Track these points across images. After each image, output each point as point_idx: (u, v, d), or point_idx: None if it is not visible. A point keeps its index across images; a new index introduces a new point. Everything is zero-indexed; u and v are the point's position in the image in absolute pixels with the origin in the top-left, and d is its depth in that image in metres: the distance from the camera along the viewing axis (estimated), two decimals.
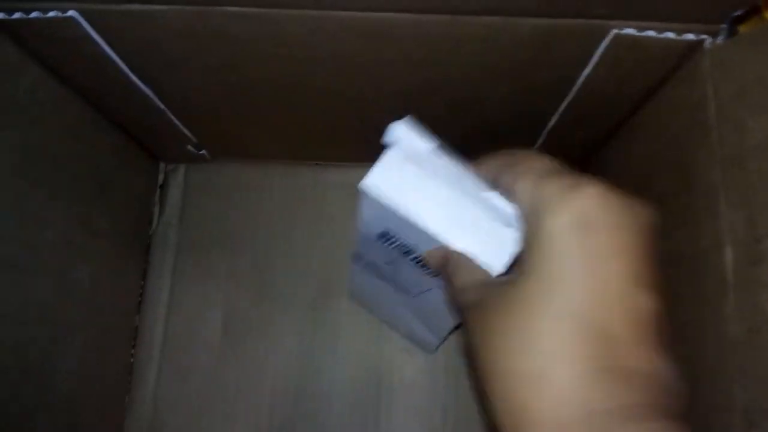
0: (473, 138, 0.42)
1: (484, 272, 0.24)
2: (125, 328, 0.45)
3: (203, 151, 0.45)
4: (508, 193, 0.24)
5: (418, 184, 0.26)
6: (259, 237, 0.47)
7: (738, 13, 0.25)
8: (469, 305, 0.24)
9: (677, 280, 0.29)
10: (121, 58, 0.32)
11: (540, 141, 0.40)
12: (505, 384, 0.20)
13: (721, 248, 0.25)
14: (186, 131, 0.41)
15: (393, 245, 0.30)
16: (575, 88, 0.32)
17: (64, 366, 0.37)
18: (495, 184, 0.25)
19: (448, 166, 0.27)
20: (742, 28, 0.27)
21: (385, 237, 0.29)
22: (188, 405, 0.45)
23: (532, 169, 0.23)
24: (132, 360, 0.45)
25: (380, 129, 0.41)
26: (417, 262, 0.29)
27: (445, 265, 0.26)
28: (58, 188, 0.35)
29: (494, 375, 0.21)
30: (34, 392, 0.35)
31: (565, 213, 0.20)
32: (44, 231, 0.34)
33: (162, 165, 0.48)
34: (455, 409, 0.44)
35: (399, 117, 0.38)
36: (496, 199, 0.25)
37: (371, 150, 0.44)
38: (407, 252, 0.29)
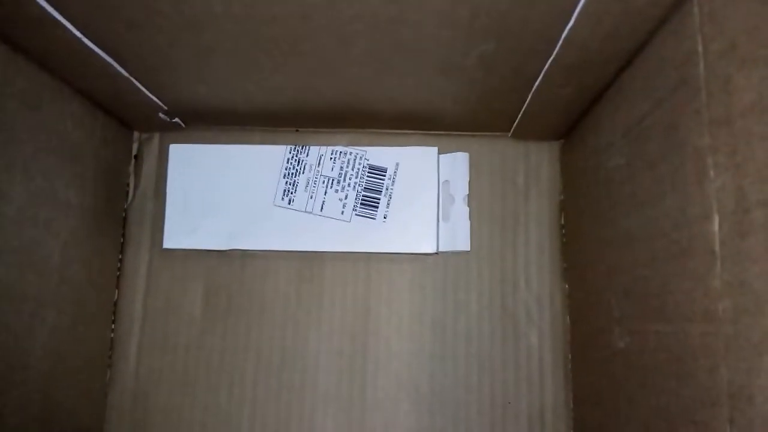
0: (461, 103, 0.40)
1: None
2: (103, 302, 0.44)
3: (176, 119, 0.44)
4: None
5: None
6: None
7: None
8: None
9: (663, 250, 0.27)
10: (72, 22, 0.30)
11: (526, 103, 0.38)
12: None
13: (709, 217, 0.23)
14: (154, 98, 0.39)
15: None
16: (558, 46, 0.30)
17: (35, 343, 0.36)
18: None
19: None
20: None
21: None
22: (171, 378, 0.44)
23: None
24: (112, 335, 0.44)
25: (353, 94, 0.39)
26: None
27: None
28: (17, 162, 0.33)
29: None
30: (4, 371, 0.34)
31: None
32: (3, 207, 0.32)
33: (136, 134, 0.46)
34: (442, 380, 0.43)
35: (374, 83, 0.37)
36: None
37: (348, 116, 0.42)
38: None
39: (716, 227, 0.23)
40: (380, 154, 0.44)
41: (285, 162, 0.44)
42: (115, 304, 0.45)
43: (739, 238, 0.22)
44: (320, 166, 0.44)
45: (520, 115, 0.41)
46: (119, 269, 0.45)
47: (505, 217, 0.44)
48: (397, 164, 0.44)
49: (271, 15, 0.29)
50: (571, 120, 0.41)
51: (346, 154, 0.44)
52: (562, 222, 0.44)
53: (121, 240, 0.45)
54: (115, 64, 0.34)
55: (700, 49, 0.23)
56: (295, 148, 0.44)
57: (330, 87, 0.38)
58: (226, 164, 0.44)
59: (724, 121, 0.22)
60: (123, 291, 0.45)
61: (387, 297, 0.44)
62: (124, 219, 0.46)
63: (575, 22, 0.27)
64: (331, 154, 0.44)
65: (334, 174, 0.44)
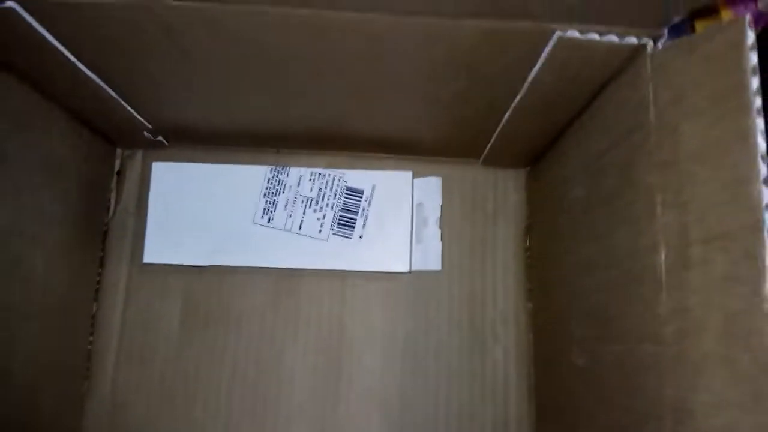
0: (434, 132, 0.42)
1: None
2: (83, 315, 0.45)
3: (160, 137, 0.45)
4: None
5: None
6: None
7: (679, 19, 0.25)
8: None
9: (618, 278, 0.30)
10: (66, 47, 0.31)
11: (496, 133, 0.40)
12: None
13: (656, 249, 0.26)
14: (140, 117, 0.41)
15: None
16: (525, 86, 0.32)
17: (19, 354, 0.37)
18: None
19: None
20: (698, 27, 0.27)
21: None
22: (148, 391, 0.45)
23: None
24: (90, 346, 0.45)
25: (333, 120, 0.41)
26: None
27: None
28: (6, 179, 0.34)
29: None
30: None
31: None
32: None
33: (119, 151, 0.48)
34: (412, 394, 0.45)
35: (354, 111, 0.39)
36: None
37: (327, 139, 0.44)
38: None
39: (663, 259, 0.25)
40: (357, 177, 0.46)
41: (266, 182, 0.46)
42: (94, 316, 0.46)
43: (682, 269, 0.24)
44: (299, 187, 0.46)
45: (489, 145, 0.43)
46: (98, 282, 0.46)
47: (474, 239, 0.47)
48: (374, 186, 0.46)
49: (258, 48, 0.30)
50: (537, 150, 0.43)
51: (324, 175, 0.46)
52: (527, 245, 0.46)
53: (101, 254, 0.46)
54: (106, 87, 0.36)
55: (651, 97, 0.26)
56: (275, 169, 0.46)
57: (312, 113, 0.40)
58: (208, 183, 0.45)
59: (671, 163, 0.25)
60: (102, 303, 0.46)
61: (361, 313, 0.46)
62: (105, 233, 0.47)
63: (541, 66, 0.30)
64: (311, 175, 0.46)
65: (313, 194, 0.45)
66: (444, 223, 0.47)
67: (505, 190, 0.48)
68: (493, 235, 0.47)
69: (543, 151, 0.43)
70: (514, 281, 0.46)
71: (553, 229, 0.41)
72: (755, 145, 0.21)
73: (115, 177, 0.47)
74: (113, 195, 0.47)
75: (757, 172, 0.20)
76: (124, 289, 0.46)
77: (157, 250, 0.45)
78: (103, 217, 0.46)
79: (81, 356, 0.45)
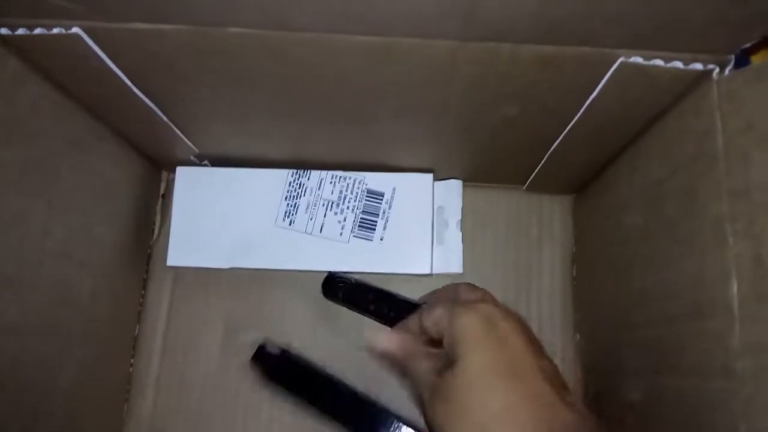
0: (479, 158, 0.42)
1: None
2: (125, 338, 0.45)
3: (205, 161, 0.45)
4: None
5: None
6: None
7: (749, 45, 0.25)
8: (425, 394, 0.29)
9: (680, 307, 0.29)
10: (125, 73, 0.31)
11: (542, 162, 0.40)
12: None
13: (727, 281, 0.25)
14: (188, 142, 0.41)
15: None
16: (580, 112, 0.32)
17: (63, 378, 0.37)
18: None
19: None
20: (754, 59, 0.26)
21: None
22: (187, 415, 0.44)
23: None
24: (131, 369, 0.45)
25: (381, 144, 0.41)
26: None
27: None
28: (59, 199, 0.35)
29: None
30: (32, 405, 0.34)
31: (472, 313, 0.28)
32: (44, 243, 0.34)
33: (164, 174, 0.48)
34: None
35: (401, 136, 0.39)
36: None
37: (370, 161, 0.44)
38: None
39: (735, 290, 0.24)
40: (378, 179, 0.46)
41: (287, 185, 0.46)
42: (136, 339, 0.46)
43: (756, 301, 0.23)
44: (321, 190, 0.45)
45: (535, 172, 0.42)
46: (141, 305, 0.46)
47: (518, 266, 0.46)
48: (394, 189, 0.45)
49: (312, 75, 0.31)
50: (585, 177, 0.42)
51: (345, 178, 0.46)
52: (574, 274, 0.45)
53: (144, 276, 0.46)
54: (159, 112, 0.36)
55: (719, 125, 0.25)
56: (296, 173, 0.46)
57: (352, 137, 0.40)
58: (231, 186, 0.45)
59: (742, 192, 0.24)
60: (144, 326, 0.46)
61: None
62: (149, 255, 0.47)
63: (599, 92, 0.29)
64: (331, 178, 0.46)
65: (334, 197, 0.45)
66: (487, 250, 0.46)
67: (550, 217, 0.47)
68: (538, 262, 0.46)
69: (591, 177, 0.42)
70: (561, 310, 0.45)
71: (604, 257, 0.40)
72: None
73: (160, 200, 0.48)
74: (158, 218, 0.47)
75: None
76: (166, 312, 0.46)
77: (180, 254, 0.45)
78: (147, 240, 0.47)
79: (122, 379, 0.44)
